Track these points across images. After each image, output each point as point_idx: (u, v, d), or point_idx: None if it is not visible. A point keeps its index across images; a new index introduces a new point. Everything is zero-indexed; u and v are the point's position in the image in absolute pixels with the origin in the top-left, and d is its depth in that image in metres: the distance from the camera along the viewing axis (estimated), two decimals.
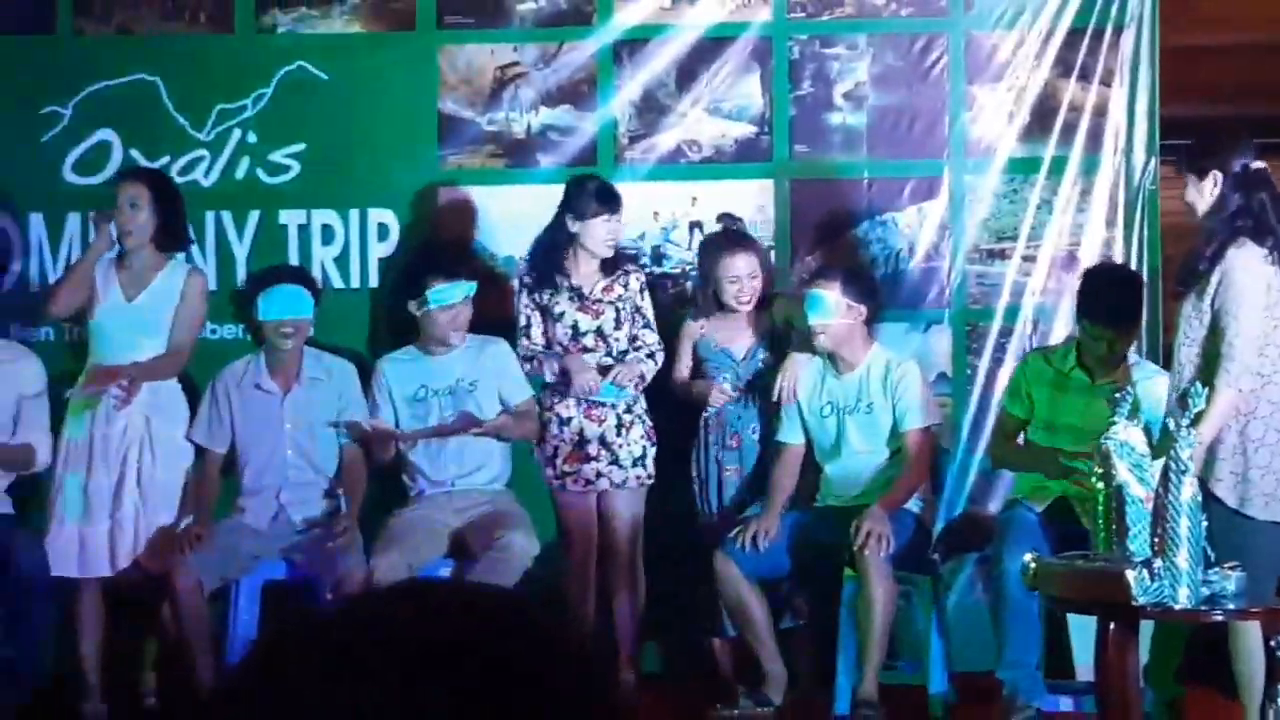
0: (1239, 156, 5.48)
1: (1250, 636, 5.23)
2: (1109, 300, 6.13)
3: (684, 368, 6.76)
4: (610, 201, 6.62)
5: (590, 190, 6.64)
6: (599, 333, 6.67)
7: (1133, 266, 6.89)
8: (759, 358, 6.74)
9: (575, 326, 6.66)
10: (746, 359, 6.75)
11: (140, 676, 6.64)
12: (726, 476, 6.71)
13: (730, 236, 6.83)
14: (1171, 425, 4.85)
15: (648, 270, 6.96)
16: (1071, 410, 6.15)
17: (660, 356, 6.70)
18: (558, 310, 6.68)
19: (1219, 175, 5.45)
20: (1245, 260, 5.35)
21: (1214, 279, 5.36)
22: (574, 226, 6.61)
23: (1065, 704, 6.32)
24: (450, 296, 6.62)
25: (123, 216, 6.58)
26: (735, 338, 6.75)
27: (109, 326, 6.60)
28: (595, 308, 6.67)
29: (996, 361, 6.97)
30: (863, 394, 6.52)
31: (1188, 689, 5.92)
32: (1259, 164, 5.51)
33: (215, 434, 6.69)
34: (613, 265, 6.70)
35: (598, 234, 6.61)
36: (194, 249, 7.01)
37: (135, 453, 6.53)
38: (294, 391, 6.71)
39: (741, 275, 6.62)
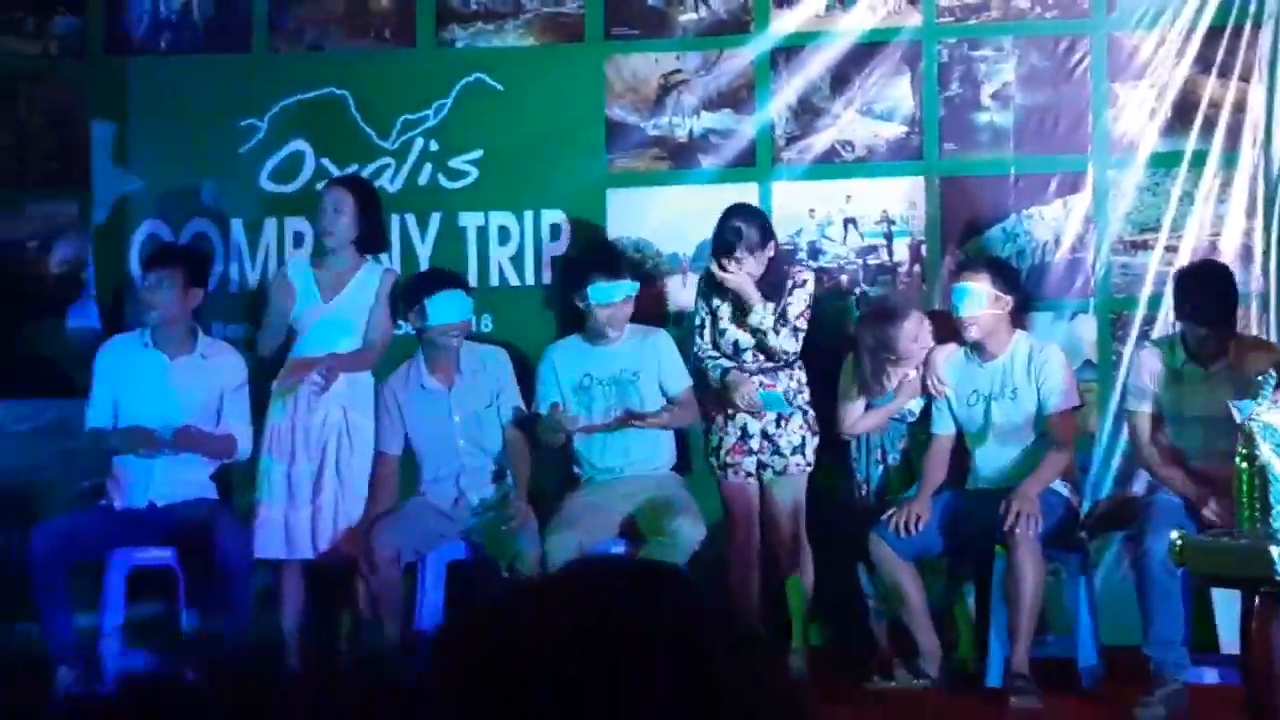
0: None
1: None
2: (1198, 299, 6.14)
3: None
4: (757, 236, 6.55)
5: (734, 222, 6.58)
6: (759, 348, 6.62)
7: (1272, 256, 6.86)
8: None
9: (736, 343, 6.64)
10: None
11: (335, 647, 6.75)
12: (882, 464, 6.72)
13: (887, 311, 6.76)
14: None
15: (803, 265, 6.95)
16: (1193, 403, 6.14)
17: (799, 367, 6.65)
18: (721, 325, 6.67)
19: None
20: None
21: None
22: (719, 273, 6.59)
23: (1211, 677, 6.25)
24: (610, 295, 6.65)
25: (325, 220, 6.72)
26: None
27: (307, 326, 6.73)
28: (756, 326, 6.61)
29: (1141, 348, 6.94)
30: (1007, 380, 6.51)
31: None
32: None
33: (391, 438, 6.78)
34: (777, 280, 6.61)
35: (742, 271, 6.56)
36: None
37: (334, 443, 6.63)
38: (456, 385, 6.76)
39: (908, 342, 6.58)
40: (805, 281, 6.69)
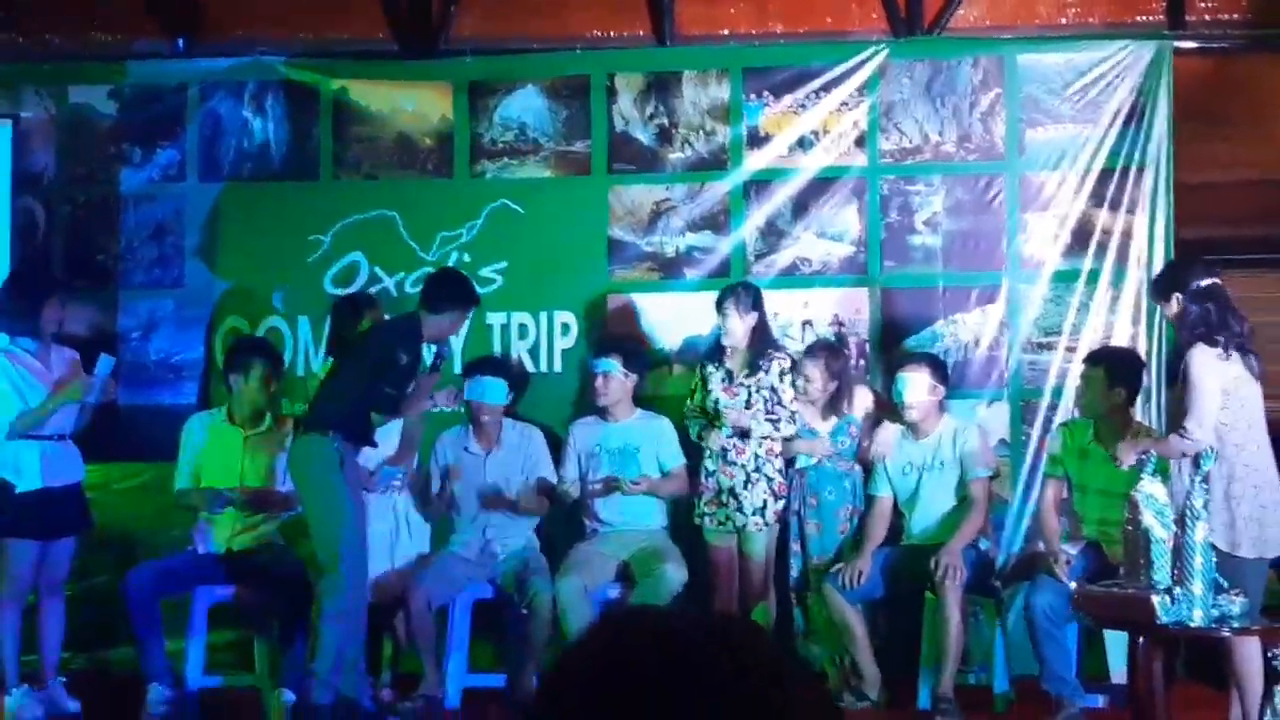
0: (1194, 279, 5.49)
1: (1247, 647, 5.19)
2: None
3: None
4: (740, 300, 6.58)
5: (727, 293, 6.64)
6: (732, 407, 6.61)
7: (1153, 357, 6.89)
8: (840, 436, 6.73)
9: (717, 403, 6.64)
10: (828, 434, 6.73)
11: (379, 672, 6.71)
12: (808, 531, 6.69)
13: (819, 344, 6.87)
14: (1185, 482, 4.88)
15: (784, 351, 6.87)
16: (1096, 475, 6.16)
17: (786, 427, 6.63)
18: (709, 388, 6.68)
19: (1179, 296, 5.48)
20: (1200, 358, 5.37)
21: (1179, 373, 5.41)
22: (718, 320, 6.65)
23: (1102, 702, 6.25)
24: (608, 366, 6.73)
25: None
26: (815, 418, 6.75)
27: None
28: (735, 389, 6.63)
29: (1045, 430, 6.91)
30: (938, 454, 6.52)
31: (1185, 684, 5.93)
32: (1207, 281, 5.50)
33: (434, 481, 6.81)
34: (760, 354, 6.62)
35: (728, 326, 6.60)
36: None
37: (403, 505, 6.72)
38: (494, 452, 6.80)
39: (816, 378, 6.66)
40: (784, 359, 6.66)
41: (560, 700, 1.12)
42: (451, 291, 6.16)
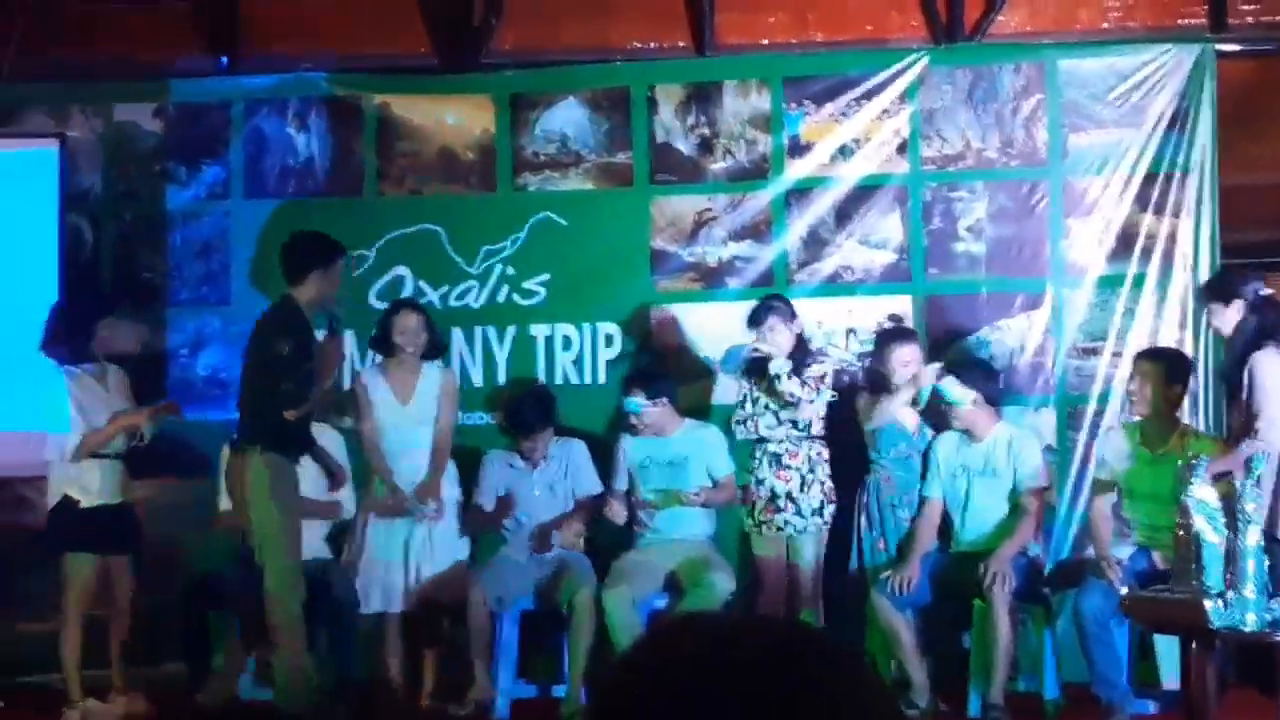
0: (1255, 285, 5.49)
1: None
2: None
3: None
4: (771, 309, 6.59)
5: (760, 307, 6.64)
6: (793, 423, 6.61)
7: (1199, 361, 6.84)
8: (925, 434, 6.68)
9: (767, 406, 6.64)
10: (917, 434, 6.70)
11: (422, 679, 6.71)
12: (891, 526, 6.64)
13: (897, 332, 6.85)
14: (1239, 485, 4.83)
15: (824, 355, 6.90)
16: (1142, 479, 6.11)
17: (821, 442, 6.63)
18: (754, 394, 6.68)
19: (1242, 303, 5.46)
20: (1268, 363, 5.33)
21: (1244, 378, 5.36)
22: (755, 339, 6.63)
23: (1153, 708, 6.23)
24: (634, 408, 6.70)
25: (408, 335, 6.71)
26: (908, 417, 6.72)
27: (389, 423, 6.70)
28: (782, 394, 6.61)
29: (1093, 436, 6.90)
30: (990, 461, 6.48)
31: (1236, 688, 5.88)
32: (1268, 290, 5.52)
33: (486, 498, 6.85)
34: (801, 365, 6.60)
35: (769, 337, 6.57)
36: (465, 355, 7.20)
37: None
38: (541, 467, 6.82)
39: (909, 361, 6.62)
40: (825, 363, 6.70)
41: (619, 708, 1.09)
42: (306, 253, 5.96)
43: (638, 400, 6.74)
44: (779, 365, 6.55)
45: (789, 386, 6.54)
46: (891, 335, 6.78)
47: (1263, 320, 5.40)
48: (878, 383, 6.67)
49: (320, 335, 6.04)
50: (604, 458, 6.90)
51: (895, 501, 6.64)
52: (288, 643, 5.78)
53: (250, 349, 5.90)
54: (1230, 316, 5.48)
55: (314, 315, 5.96)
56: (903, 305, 7.12)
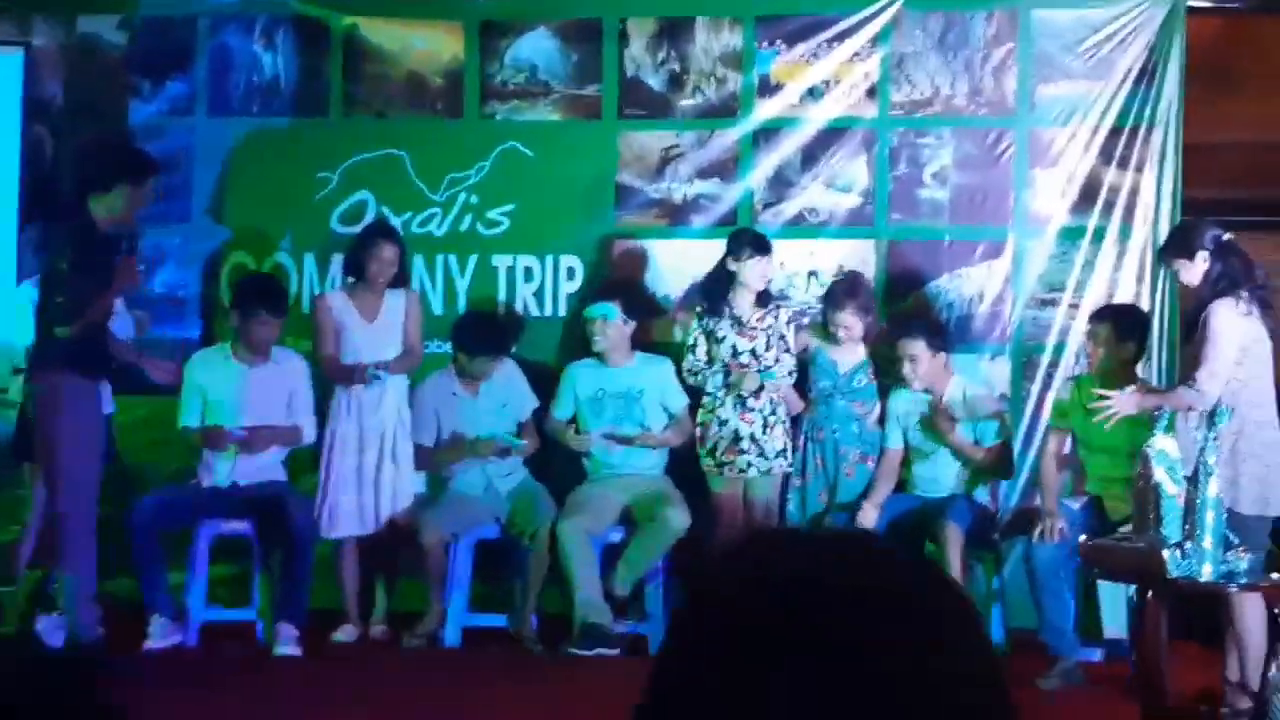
0: (1213, 234, 5.49)
1: (1250, 603, 5.15)
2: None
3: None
4: (762, 246, 6.62)
5: (746, 238, 6.65)
6: (752, 353, 6.63)
7: (1156, 314, 6.86)
8: (857, 376, 6.73)
9: (734, 348, 6.63)
10: (846, 375, 6.74)
11: (373, 606, 6.71)
12: (812, 466, 6.68)
13: (844, 286, 6.85)
14: (1199, 437, 4.86)
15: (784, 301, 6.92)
16: (1100, 432, 6.13)
17: (794, 374, 6.69)
18: (720, 334, 6.64)
19: (1204, 252, 5.46)
20: (1223, 312, 5.34)
21: (1199, 326, 5.38)
22: (733, 266, 6.59)
23: (1097, 655, 6.29)
24: (609, 312, 6.69)
25: (381, 265, 6.67)
26: (844, 356, 6.76)
27: (355, 342, 6.66)
28: (750, 333, 6.63)
29: (1046, 387, 6.91)
30: (946, 410, 6.51)
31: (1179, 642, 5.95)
32: (1228, 235, 5.52)
33: (424, 433, 6.75)
34: (766, 299, 6.67)
35: (752, 273, 6.60)
36: (426, 283, 7.15)
37: (389, 436, 6.62)
38: (481, 393, 6.74)
39: (849, 319, 6.65)
40: (788, 309, 6.76)
41: (703, 624, 1.04)
42: (118, 164, 5.78)
43: (614, 306, 6.69)
44: (733, 322, 6.53)
45: (744, 346, 6.54)
46: (835, 295, 6.75)
47: (1226, 266, 5.40)
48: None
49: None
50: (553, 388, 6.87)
51: (819, 454, 6.67)
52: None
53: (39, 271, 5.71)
54: (1198, 268, 5.48)
55: (112, 230, 5.76)
56: (865, 250, 7.11)
